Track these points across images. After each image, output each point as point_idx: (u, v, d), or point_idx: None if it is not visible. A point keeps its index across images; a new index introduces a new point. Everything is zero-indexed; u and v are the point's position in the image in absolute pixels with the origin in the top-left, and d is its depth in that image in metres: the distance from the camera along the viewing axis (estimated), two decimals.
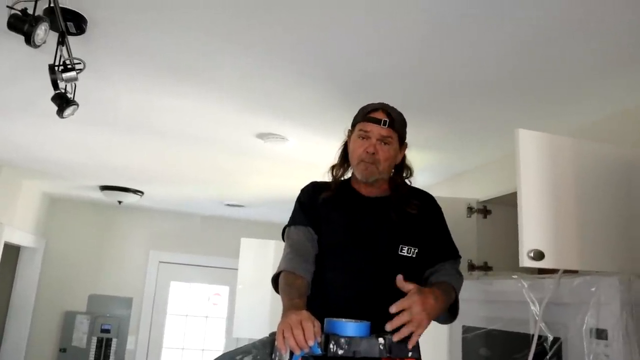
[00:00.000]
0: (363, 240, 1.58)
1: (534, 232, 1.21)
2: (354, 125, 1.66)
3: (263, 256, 4.30)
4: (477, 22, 1.52)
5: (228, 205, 5.06)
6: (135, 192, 4.64)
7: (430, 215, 1.65)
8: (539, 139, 1.28)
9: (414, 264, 1.57)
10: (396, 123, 1.59)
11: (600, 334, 1.39)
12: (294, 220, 1.65)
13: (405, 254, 1.56)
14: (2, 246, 4.16)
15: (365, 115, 1.61)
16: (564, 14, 1.44)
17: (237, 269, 4.52)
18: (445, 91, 2.03)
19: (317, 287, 1.55)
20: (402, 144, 1.65)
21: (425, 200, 1.67)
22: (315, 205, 1.64)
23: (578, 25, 1.49)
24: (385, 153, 1.58)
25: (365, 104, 1.70)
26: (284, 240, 1.66)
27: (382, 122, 1.57)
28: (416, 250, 1.57)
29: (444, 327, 2.09)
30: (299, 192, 1.72)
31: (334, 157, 1.76)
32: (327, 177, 1.71)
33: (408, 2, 1.45)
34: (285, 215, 1.71)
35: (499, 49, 1.66)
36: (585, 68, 1.76)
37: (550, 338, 1.53)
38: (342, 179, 1.69)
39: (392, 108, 1.61)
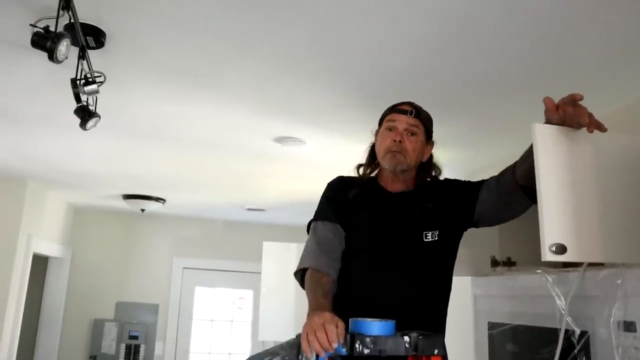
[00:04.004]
0: (388, 237, 1.58)
1: (555, 226, 1.20)
2: (380, 122, 1.67)
3: (285, 259, 4.31)
4: (494, 17, 1.52)
5: (249, 209, 5.09)
6: (158, 199, 4.70)
7: (449, 192, 1.64)
8: (556, 133, 1.26)
9: (437, 247, 1.57)
10: (422, 115, 1.63)
11: (629, 327, 1.38)
12: (321, 215, 1.65)
13: (430, 239, 1.56)
14: (31, 257, 4.25)
15: (392, 108, 1.65)
16: (580, 4, 1.43)
17: (260, 273, 4.56)
18: (463, 88, 2.03)
19: (344, 286, 1.56)
20: (429, 141, 1.66)
21: (443, 186, 1.66)
22: (343, 202, 1.64)
23: (594, 16, 1.48)
24: (413, 144, 1.59)
25: (382, 103, 1.71)
26: (308, 233, 1.66)
27: (409, 112, 1.60)
28: (437, 233, 1.57)
29: (469, 324, 2.09)
30: (326, 186, 1.72)
31: (352, 158, 1.76)
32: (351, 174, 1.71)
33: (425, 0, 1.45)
34: (305, 218, 1.72)
35: (516, 44, 1.66)
36: (603, 59, 1.74)
37: (578, 332, 1.52)
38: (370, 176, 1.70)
39: (419, 105, 1.65)
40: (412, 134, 1.59)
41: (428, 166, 1.68)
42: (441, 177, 1.71)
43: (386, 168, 1.63)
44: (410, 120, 1.59)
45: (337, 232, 1.61)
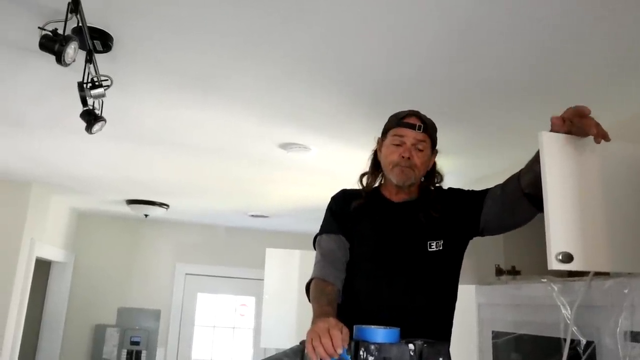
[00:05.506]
0: (392, 247, 1.58)
1: (561, 234, 1.19)
2: (385, 132, 1.65)
3: (288, 266, 4.30)
4: (500, 26, 1.52)
5: (252, 216, 5.09)
6: (161, 205, 4.70)
7: (454, 202, 1.63)
8: (562, 141, 1.26)
9: (442, 257, 1.56)
10: (429, 128, 1.61)
11: (636, 337, 1.36)
12: (325, 229, 1.66)
13: (434, 248, 1.55)
14: (33, 261, 4.25)
15: (398, 120, 1.61)
16: (585, 13, 1.43)
17: (262, 280, 4.54)
18: (469, 95, 2.03)
19: (349, 295, 1.56)
20: (434, 150, 1.65)
21: (448, 196, 1.65)
22: (346, 214, 1.64)
23: (599, 24, 1.48)
24: (421, 158, 1.58)
25: (387, 111, 1.71)
26: (315, 249, 1.67)
27: (417, 126, 1.58)
28: (442, 242, 1.56)
29: (473, 333, 2.08)
30: (330, 199, 1.72)
31: (357, 165, 1.76)
32: (354, 185, 1.71)
33: (429, 7, 1.46)
34: (309, 225, 1.72)
35: (522, 51, 1.66)
36: (608, 67, 1.74)
37: (583, 342, 1.50)
38: (373, 186, 1.70)
39: (424, 115, 1.63)
40: (420, 149, 1.58)
41: (431, 173, 1.68)
42: (445, 186, 1.71)
43: (393, 182, 1.62)
44: (419, 135, 1.58)
45: (340, 244, 1.61)
